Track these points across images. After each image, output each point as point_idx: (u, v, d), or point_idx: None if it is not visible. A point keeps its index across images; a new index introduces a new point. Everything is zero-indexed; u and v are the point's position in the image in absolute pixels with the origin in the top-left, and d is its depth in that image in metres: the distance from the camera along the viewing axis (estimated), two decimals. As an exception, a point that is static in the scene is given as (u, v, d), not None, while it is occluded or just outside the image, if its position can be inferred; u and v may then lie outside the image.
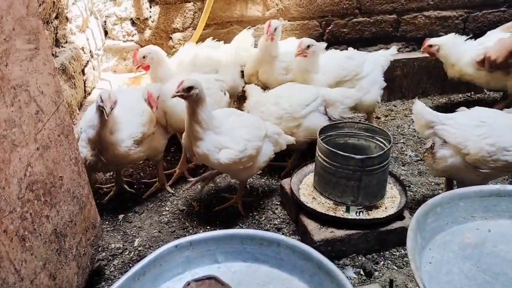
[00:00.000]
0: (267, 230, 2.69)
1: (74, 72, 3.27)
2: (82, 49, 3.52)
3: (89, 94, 3.59)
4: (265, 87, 3.39)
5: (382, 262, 2.43)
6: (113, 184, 3.05)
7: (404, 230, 2.47)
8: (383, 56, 3.57)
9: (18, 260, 1.49)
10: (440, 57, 3.71)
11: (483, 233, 1.76)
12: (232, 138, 2.56)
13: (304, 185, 2.81)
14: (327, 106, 3.06)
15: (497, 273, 1.58)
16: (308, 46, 3.16)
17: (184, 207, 2.92)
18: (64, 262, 1.82)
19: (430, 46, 3.67)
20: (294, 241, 1.62)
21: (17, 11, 1.61)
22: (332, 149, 2.46)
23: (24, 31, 1.66)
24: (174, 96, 2.45)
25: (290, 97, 3.03)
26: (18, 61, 1.60)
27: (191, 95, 2.42)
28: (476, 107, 2.67)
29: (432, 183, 3.09)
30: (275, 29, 3.24)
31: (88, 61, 3.63)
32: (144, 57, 3.13)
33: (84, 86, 3.52)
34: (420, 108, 2.61)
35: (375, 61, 3.50)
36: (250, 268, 1.67)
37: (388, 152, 2.49)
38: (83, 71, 3.50)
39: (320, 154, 2.56)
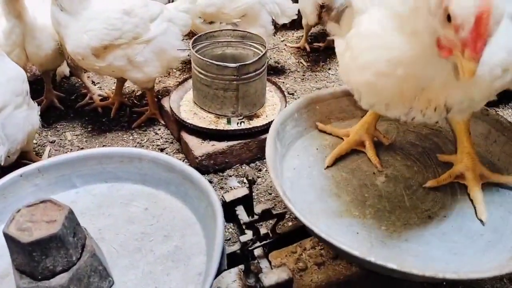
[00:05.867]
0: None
1: None
2: None
3: None
4: None
5: (265, 169, 2.46)
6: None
7: (284, 135, 2.51)
8: None
9: None
10: None
11: None
12: None
13: (185, 101, 2.68)
14: None
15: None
16: None
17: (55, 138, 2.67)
18: None
19: None
20: (155, 153, 1.53)
21: None
22: (206, 59, 2.33)
23: None
24: None
25: None
26: None
27: None
28: None
29: (314, 88, 3.14)
30: None
31: None
32: None
33: None
34: None
35: None
36: (113, 187, 1.56)
37: (263, 58, 2.42)
38: None
39: (195, 66, 2.42)
